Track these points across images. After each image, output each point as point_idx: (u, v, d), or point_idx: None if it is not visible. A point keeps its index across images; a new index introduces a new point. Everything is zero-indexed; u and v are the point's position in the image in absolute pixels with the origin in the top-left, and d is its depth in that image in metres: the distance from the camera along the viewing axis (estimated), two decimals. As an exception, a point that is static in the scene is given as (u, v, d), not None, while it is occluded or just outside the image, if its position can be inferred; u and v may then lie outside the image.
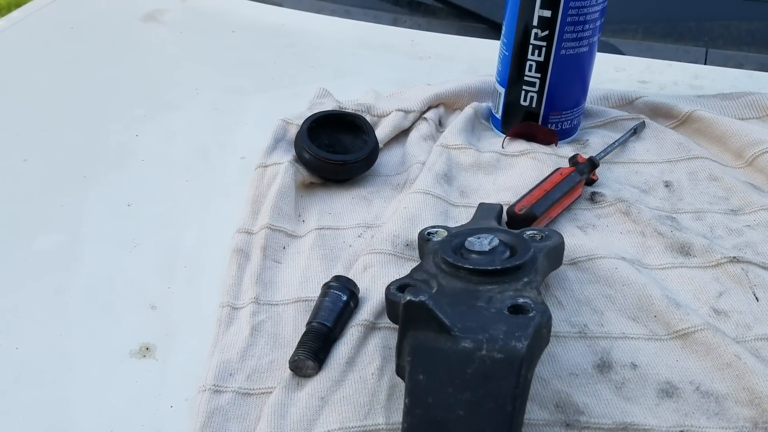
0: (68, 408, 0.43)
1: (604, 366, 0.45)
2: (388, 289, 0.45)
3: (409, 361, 0.38)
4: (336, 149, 0.62)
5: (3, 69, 0.80)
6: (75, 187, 0.62)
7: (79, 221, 0.58)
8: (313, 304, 0.48)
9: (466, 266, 0.44)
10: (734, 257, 0.52)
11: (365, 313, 0.47)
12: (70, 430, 0.42)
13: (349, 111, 0.66)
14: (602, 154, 0.62)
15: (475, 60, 0.81)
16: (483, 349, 0.36)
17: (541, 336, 0.38)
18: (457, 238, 0.48)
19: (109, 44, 0.86)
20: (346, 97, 0.71)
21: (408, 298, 0.38)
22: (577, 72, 0.63)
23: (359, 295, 0.49)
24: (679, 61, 0.81)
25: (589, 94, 0.67)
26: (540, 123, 0.65)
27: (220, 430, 0.42)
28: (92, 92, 0.76)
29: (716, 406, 0.43)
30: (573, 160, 0.61)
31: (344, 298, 0.47)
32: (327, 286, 0.48)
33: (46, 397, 0.44)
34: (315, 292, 0.49)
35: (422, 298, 0.37)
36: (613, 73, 0.79)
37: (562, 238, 0.49)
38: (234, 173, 0.63)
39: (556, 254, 0.48)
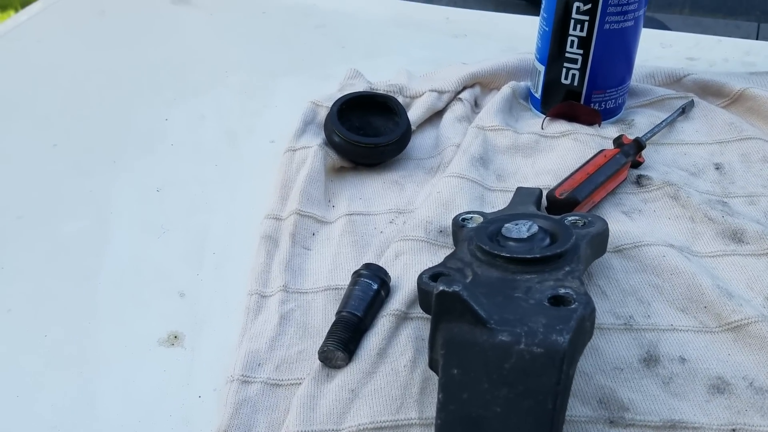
0: (96, 396, 0.43)
1: (650, 360, 0.43)
2: (420, 278, 0.43)
3: (443, 355, 0.36)
4: (367, 132, 0.60)
5: (34, 53, 0.80)
6: (104, 172, 0.61)
7: (108, 207, 0.57)
8: (343, 292, 0.47)
9: (503, 254, 0.42)
10: (792, 244, 0.49)
11: (397, 302, 0.45)
12: (98, 418, 0.42)
13: (381, 92, 0.64)
14: (649, 135, 0.59)
15: (513, 37, 0.78)
16: (521, 343, 0.34)
17: (584, 329, 0.36)
18: (494, 224, 0.46)
19: (140, 27, 0.85)
20: (378, 78, 0.69)
21: (441, 288, 0.36)
22: (622, 48, 0.60)
23: (390, 284, 0.47)
24: (730, 36, 0.77)
25: (634, 71, 0.64)
26: (582, 102, 0.62)
27: (248, 422, 0.40)
28: (122, 76, 0.75)
29: (773, 405, 0.40)
30: (617, 142, 0.58)
31: (375, 286, 0.45)
32: (357, 274, 0.46)
33: (74, 385, 0.43)
34: (345, 280, 0.48)
35: (456, 288, 0.35)
36: (659, 50, 0.76)
37: (606, 224, 0.47)
38: (263, 157, 0.62)
39: (599, 241, 0.46)
